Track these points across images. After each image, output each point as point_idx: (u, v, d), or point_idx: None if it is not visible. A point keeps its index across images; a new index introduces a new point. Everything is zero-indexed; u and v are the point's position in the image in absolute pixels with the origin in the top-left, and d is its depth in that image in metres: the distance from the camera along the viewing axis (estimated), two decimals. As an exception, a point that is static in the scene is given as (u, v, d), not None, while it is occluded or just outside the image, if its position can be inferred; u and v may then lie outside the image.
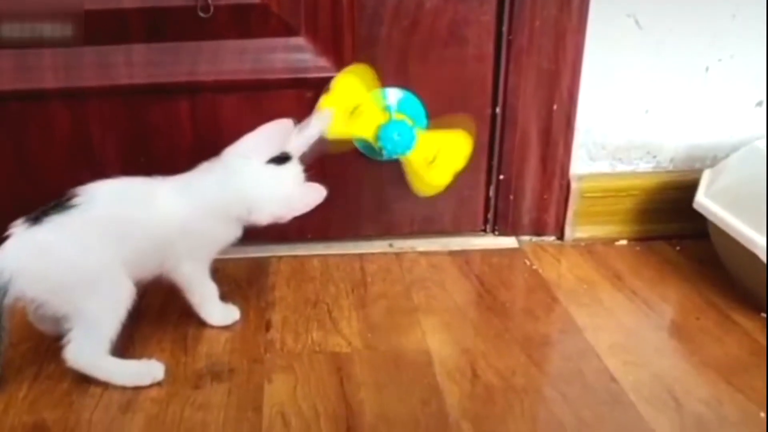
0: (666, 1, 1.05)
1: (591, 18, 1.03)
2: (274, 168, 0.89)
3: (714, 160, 1.13)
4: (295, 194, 0.90)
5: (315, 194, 0.90)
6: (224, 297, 0.95)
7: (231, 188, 0.88)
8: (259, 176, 0.88)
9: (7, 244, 0.79)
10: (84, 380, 0.83)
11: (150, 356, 0.87)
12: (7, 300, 0.78)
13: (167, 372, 0.84)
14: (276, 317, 0.95)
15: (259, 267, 1.09)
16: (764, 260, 0.90)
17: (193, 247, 0.89)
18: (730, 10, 1.06)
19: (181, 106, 1.05)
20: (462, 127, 1.01)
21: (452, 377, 0.84)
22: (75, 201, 0.81)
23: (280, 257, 1.12)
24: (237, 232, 0.91)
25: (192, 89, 1.04)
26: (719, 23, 1.07)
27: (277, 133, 0.89)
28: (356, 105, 0.97)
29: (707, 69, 1.10)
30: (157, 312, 0.97)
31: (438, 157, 1.00)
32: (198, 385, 0.82)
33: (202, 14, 0.97)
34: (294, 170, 0.91)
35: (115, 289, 0.82)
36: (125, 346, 0.87)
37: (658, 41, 1.07)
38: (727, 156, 1.07)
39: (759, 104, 1.13)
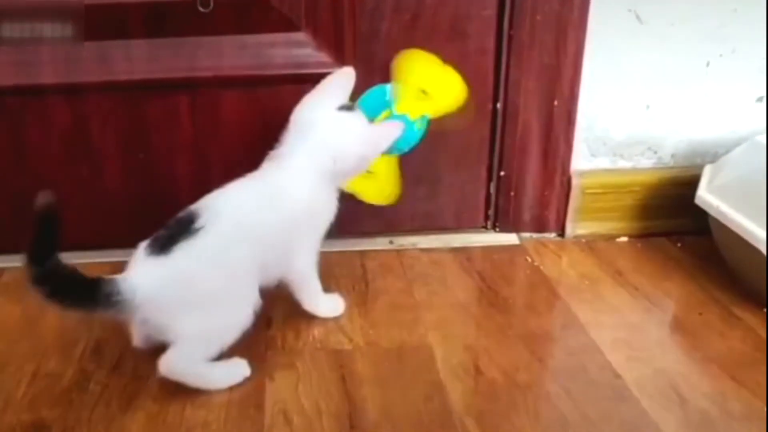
0: (666, -4, 1.05)
1: (592, 13, 1.03)
2: (344, 113, 0.88)
3: (715, 155, 1.12)
4: (373, 131, 0.89)
5: (393, 128, 0.88)
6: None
7: (312, 143, 0.87)
8: (333, 122, 0.88)
9: (137, 272, 0.78)
10: (84, 378, 0.82)
11: (148, 354, 0.86)
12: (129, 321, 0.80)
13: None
14: (277, 314, 0.95)
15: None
16: (765, 254, 0.90)
17: (313, 231, 0.90)
18: (732, 5, 1.06)
19: (181, 102, 1.05)
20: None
21: (455, 373, 0.83)
22: (200, 222, 0.79)
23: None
24: (336, 203, 0.91)
25: (191, 85, 1.03)
26: (720, 18, 1.07)
27: (340, 83, 0.89)
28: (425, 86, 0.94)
29: (708, 64, 1.09)
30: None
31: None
32: (199, 383, 0.82)
33: (202, 9, 0.96)
34: (362, 115, 0.90)
35: (247, 305, 0.81)
36: (126, 345, 0.86)
37: (659, 36, 1.07)
38: (728, 152, 1.06)
39: (760, 99, 1.12)
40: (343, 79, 0.90)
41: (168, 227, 0.81)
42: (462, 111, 0.94)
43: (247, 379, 0.82)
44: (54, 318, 0.93)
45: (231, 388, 0.81)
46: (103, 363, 0.85)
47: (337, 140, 0.87)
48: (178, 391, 0.79)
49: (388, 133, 0.88)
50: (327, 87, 0.90)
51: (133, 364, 0.85)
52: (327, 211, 0.90)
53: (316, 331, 0.91)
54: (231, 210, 0.82)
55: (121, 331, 0.87)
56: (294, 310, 0.96)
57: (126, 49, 1.01)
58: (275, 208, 0.85)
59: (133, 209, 1.10)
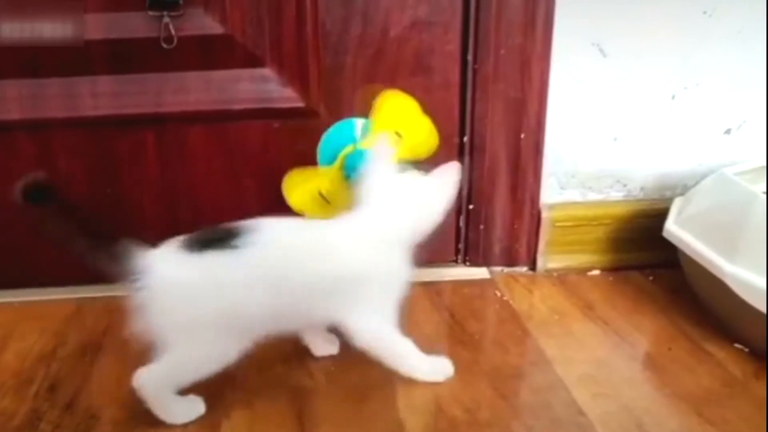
0: (630, 29, 1.05)
1: (556, 46, 1.04)
2: (413, 176, 0.84)
3: (684, 188, 1.12)
4: (436, 183, 0.85)
5: (451, 171, 0.85)
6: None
7: (394, 207, 0.83)
8: (406, 184, 0.84)
9: (162, 253, 0.77)
10: (36, 417, 0.80)
11: (105, 389, 0.84)
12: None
13: (124, 406, 0.81)
14: (239, 351, 0.93)
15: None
16: (733, 288, 0.89)
17: (382, 295, 0.83)
18: (696, 38, 1.07)
19: (147, 137, 1.05)
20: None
21: (416, 411, 0.82)
22: (237, 242, 0.75)
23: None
24: (409, 266, 0.84)
25: (158, 120, 1.04)
26: (684, 51, 1.08)
27: (385, 143, 0.85)
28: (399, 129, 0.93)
29: (673, 97, 1.10)
30: (120, 348, 0.95)
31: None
32: (153, 423, 0.79)
33: (165, 45, 0.97)
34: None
35: (241, 342, 0.78)
36: (82, 383, 0.85)
37: (624, 69, 1.08)
38: (696, 184, 1.06)
39: (727, 132, 1.13)
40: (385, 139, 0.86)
41: (205, 232, 0.78)
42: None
43: (202, 417, 0.80)
44: (12, 355, 0.92)
45: (186, 426, 0.79)
46: (56, 402, 0.83)
47: (418, 208, 0.84)
48: (130, 430, 0.78)
49: (450, 178, 0.85)
50: (378, 148, 0.85)
51: (87, 403, 0.83)
52: (400, 276, 0.84)
53: (279, 369, 0.90)
54: (273, 243, 0.77)
55: (77, 369, 0.86)
56: (257, 347, 0.94)
57: (92, 85, 1.01)
58: (317, 259, 0.79)
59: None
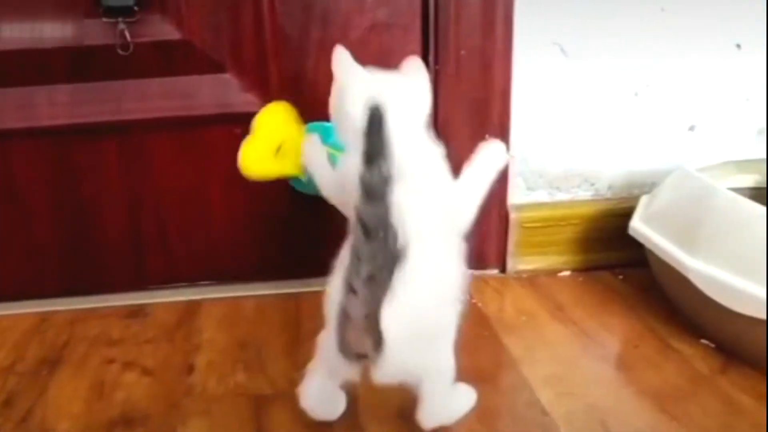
0: (590, 28, 1.05)
1: (517, 46, 1.03)
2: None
3: (652, 186, 1.12)
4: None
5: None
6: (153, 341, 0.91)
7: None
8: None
9: None
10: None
11: (61, 403, 0.82)
12: None
13: (78, 420, 0.79)
14: (200, 360, 0.92)
15: (190, 310, 1.05)
16: (695, 282, 0.88)
17: None
18: (656, 34, 1.07)
19: (109, 146, 1.03)
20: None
21: (377, 417, 0.80)
22: None
23: (213, 299, 1.08)
24: None
25: (118, 128, 1.02)
26: (645, 47, 1.08)
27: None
28: (280, 142, 0.95)
29: (636, 94, 1.10)
30: (79, 359, 0.93)
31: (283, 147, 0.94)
32: (108, 435, 0.78)
33: (121, 52, 0.96)
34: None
35: None
36: (38, 397, 0.83)
37: (586, 68, 1.07)
38: (662, 182, 1.06)
39: (691, 129, 1.13)
40: None
41: None
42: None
43: (159, 427, 0.79)
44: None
45: (142, 438, 0.78)
46: (11, 416, 0.81)
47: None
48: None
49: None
50: None
51: (41, 418, 0.81)
52: None
53: (239, 377, 0.88)
54: None
55: (35, 384, 0.84)
56: (219, 355, 0.93)
57: (49, 94, 1.00)
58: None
59: (63, 257, 1.07)
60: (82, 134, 1.02)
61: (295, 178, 0.97)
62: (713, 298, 0.87)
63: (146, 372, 0.89)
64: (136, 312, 1.05)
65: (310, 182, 0.95)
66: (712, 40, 1.08)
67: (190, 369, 0.90)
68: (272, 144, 0.93)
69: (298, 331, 0.99)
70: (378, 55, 1.03)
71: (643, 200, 1.07)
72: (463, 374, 0.88)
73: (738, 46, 1.09)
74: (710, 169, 1.02)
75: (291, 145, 0.94)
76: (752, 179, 1.08)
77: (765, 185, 1.06)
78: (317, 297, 1.06)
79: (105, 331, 0.99)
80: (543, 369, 0.89)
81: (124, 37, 0.95)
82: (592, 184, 1.15)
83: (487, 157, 0.83)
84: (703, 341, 0.94)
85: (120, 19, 0.95)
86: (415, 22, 1.03)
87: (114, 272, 1.09)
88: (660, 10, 1.06)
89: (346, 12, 1.01)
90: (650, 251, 0.99)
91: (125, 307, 1.06)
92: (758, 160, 1.08)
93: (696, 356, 0.91)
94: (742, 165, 1.07)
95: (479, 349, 0.96)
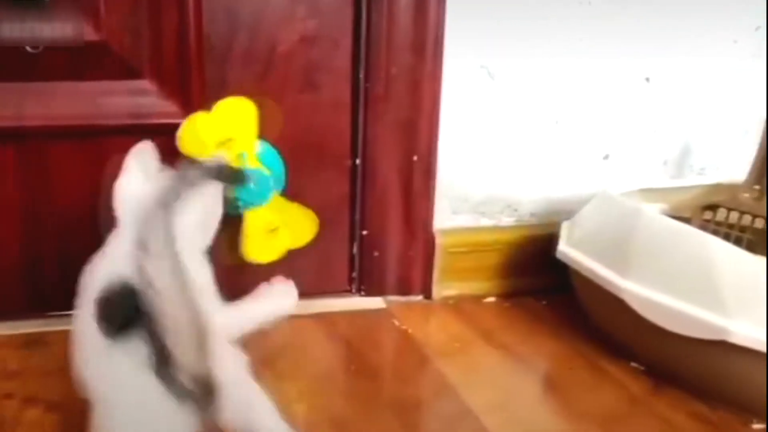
0: (514, 53, 1.07)
1: (446, 68, 1.03)
2: None
3: (570, 213, 1.13)
4: None
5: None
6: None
7: None
8: None
9: None
10: None
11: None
12: None
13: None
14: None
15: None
16: (628, 302, 0.90)
17: None
18: (574, 64, 1.10)
19: (6, 154, 0.92)
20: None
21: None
22: None
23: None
24: None
25: (18, 135, 0.91)
26: (566, 76, 1.10)
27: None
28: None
29: (557, 122, 1.12)
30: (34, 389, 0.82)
31: (281, 228, 0.93)
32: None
33: (30, 49, 0.85)
34: None
35: None
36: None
37: (510, 92, 1.08)
38: (581, 208, 1.07)
39: (606, 158, 1.17)
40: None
41: None
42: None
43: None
44: None
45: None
46: None
47: None
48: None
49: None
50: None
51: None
52: None
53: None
54: None
55: None
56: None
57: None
58: None
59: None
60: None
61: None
62: (647, 318, 0.88)
63: (52, 407, 0.78)
64: (34, 341, 0.92)
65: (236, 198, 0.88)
66: (625, 73, 1.13)
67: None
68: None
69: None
70: (306, 69, 0.99)
71: (565, 225, 1.08)
72: (402, 402, 0.85)
73: (647, 79, 1.15)
74: (626, 195, 1.04)
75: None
76: (658, 208, 1.12)
77: (671, 214, 1.10)
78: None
79: (-1, 363, 0.87)
80: (484, 395, 0.87)
81: (34, 34, 0.85)
82: (515, 210, 1.15)
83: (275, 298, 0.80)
84: (633, 364, 0.95)
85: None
86: (346, 37, 0.99)
87: (7, 295, 0.97)
88: (578, 40, 1.09)
89: (274, 23, 0.97)
90: (578, 274, 1.00)
91: (21, 335, 0.94)
92: (665, 189, 1.13)
93: (628, 378, 0.92)
94: (649, 193, 1.11)
95: (415, 376, 0.92)
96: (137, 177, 0.73)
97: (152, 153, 0.76)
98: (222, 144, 0.85)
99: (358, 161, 1.04)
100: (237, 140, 0.87)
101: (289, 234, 0.93)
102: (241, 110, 0.88)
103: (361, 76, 1.01)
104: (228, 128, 0.86)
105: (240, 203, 0.91)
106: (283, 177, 0.93)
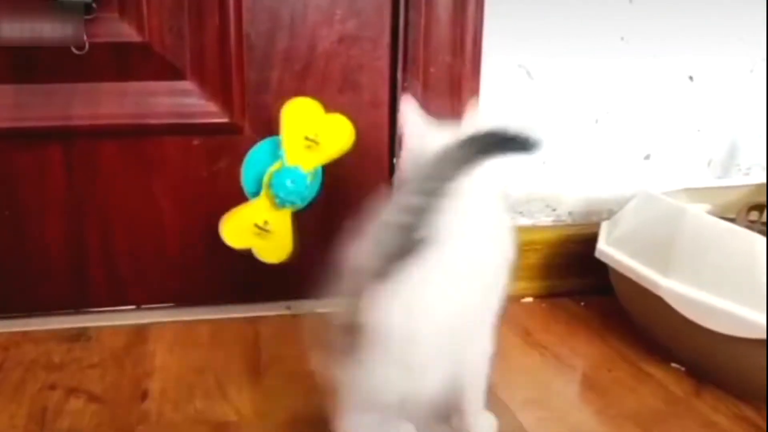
0: (554, 53, 1.06)
1: (484, 68, 1.03)
2: None
3: (609, 213, 1.13)
4: None
5: None
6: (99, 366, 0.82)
7: None
8: None
9: None
10: None
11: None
12: None
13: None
14: (154, 386, 0.84)
15: (139, 334, 0.97)
16: (668, 301, 0.88)
17: None
18: (616, 63, 1.09)
19: (54, 153, 0.95)
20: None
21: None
22: None
23: (164, 323, 1.00)
24: None
25: (65, 134, 0.94)
26: (607, 75, 1.09)
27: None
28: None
29: (597, 121, 1.11)
30: (14, 385, 0.84)
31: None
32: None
33: (76, 51, 0.89)
34: None
35: None
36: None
37: (550, 92, 1.08)
38: (621, 208, 1.06)
39: (647, 158, 1.15)
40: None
41: None
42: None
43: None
44: None
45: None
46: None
47: None
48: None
49: None
50: None
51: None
52: None
53: (198, 404, 0.81)
54: None
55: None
56: (174, 381, 0.85)
57: (-11, 94, 0.91)
58: None
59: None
60: (25, 139, 0.94)
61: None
62: (688, 318, 0.86)
63: (93, 398, 0.80)
64: (77, 335, 0.95)
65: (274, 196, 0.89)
66: (667, 71, 1.12)
67: (144, 395, 0.81)
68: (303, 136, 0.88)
69: (258, 356, 0.92)
70: (346, 69, 1.00)
71: (605, 226, 1.07)
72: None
73: (690, 78, 1.13)
74: (667, 195, 1.03)
75: (321, 132, 0.88)
76: (702, 208, 1.10)
77: (715, 214, 1.07)
78: (278, 321, 1.02)
79: (43, 356, 0.89)
80: (521, 393, 0.86)
81: (81, 35, 0.88)
82: (554, 210, 1.15)
83: None
84: (674, 365, 0.93)
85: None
86: (385, 36, 1.00)
87: (53, 292, 0.99)
88: (619, 39, 1.08)
89: (313, 23, 0.98)
90: (618, 274, 0.98)
91: (65, 330, 0.96)
92: (708, 189, 1.11)
93: (668, 379, 0.91)
94: (694, 193, 1.09)
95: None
96: (421, 127, 0.79)
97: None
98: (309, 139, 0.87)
99: (396, 160, 1.05)
100: (322, 145, 0.88)
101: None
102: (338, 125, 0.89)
103: (399, 75, 1.01)
104: (323, 130, 0.88)
105: (277, 201, 0.93)
106: (320, 176, 0.94)
